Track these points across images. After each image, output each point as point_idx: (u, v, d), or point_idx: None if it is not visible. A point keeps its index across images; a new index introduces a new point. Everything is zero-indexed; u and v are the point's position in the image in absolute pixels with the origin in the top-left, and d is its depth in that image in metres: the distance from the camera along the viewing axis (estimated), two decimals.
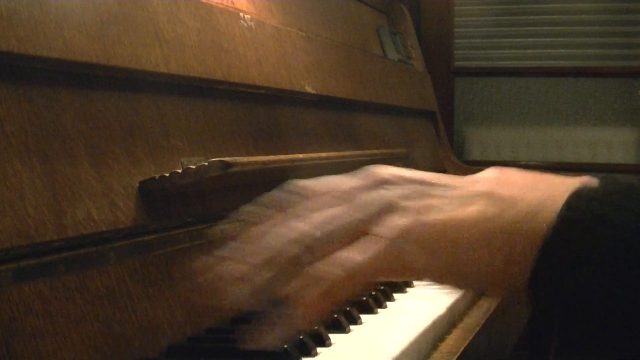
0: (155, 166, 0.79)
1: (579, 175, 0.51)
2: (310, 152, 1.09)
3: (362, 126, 1.39)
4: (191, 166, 0.76)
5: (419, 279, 0.59)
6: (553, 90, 2.66)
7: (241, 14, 1.03)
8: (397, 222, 0.50)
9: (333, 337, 0.75)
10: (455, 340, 0.84)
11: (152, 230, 0.76)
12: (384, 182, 0.53)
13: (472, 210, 0.50)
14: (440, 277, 0.53)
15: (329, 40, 1.35)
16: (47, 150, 0.66)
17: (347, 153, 1.16)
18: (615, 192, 0.48)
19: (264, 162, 0.85)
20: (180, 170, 0.76)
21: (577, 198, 0.48)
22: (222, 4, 1.01)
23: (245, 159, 0.80)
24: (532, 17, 2.67)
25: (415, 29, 2.02)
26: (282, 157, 0.92)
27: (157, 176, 0.76)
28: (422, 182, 0.53)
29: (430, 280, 0.54)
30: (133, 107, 0.78)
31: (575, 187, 0.49)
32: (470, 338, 0.84)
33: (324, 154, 1.03)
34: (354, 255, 0.50)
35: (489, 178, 0.53)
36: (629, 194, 0.48)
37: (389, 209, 0.51)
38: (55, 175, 0.66)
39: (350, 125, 1.33)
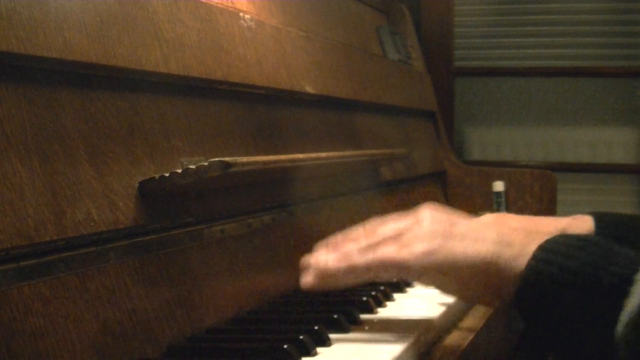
0: (155, 166, 0.79)
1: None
2: (310, 152, 1.09)
3: (362, 126, 1.39)
4: (191, 166, 0.76)
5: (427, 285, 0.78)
6: (553, 90, 2.66)
7: (241, 14, 1.03)
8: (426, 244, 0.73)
9: (333, 336, 0.75)
10: (455, 340, 0.84)
11: (152, 230, 0.76)
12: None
13: (481, 249, 0.71)
14: (445, 290, 0.77)
15: (329, 40, 1.35)
16: (47, 150, 0.66)
17: (347, 153, 1.16)
18: (572, 245, 0.66)
19: (264, 162, 0.85)
20: (180, 170, 0.76)
21: (540, 251, 0.67)
22: (222, 4, 1.01)
23: (245, 159, 0.80)
24: (532, 17, 2.67)
25: (415, 29, 2.02)
26: (282, 157, 0.92)
27: (157, 176, 0.76)
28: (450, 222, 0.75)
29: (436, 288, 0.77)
30: (133, 107, 0.78)
31: (543, 239, 0.69)
32: (471, 338, 0.84)
33: (323, 154, 1.03)
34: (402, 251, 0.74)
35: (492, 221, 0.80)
36: (582, 245, 0.66)
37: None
38: (55, 175, 0.66)
39: (350, 125, 1.33)
